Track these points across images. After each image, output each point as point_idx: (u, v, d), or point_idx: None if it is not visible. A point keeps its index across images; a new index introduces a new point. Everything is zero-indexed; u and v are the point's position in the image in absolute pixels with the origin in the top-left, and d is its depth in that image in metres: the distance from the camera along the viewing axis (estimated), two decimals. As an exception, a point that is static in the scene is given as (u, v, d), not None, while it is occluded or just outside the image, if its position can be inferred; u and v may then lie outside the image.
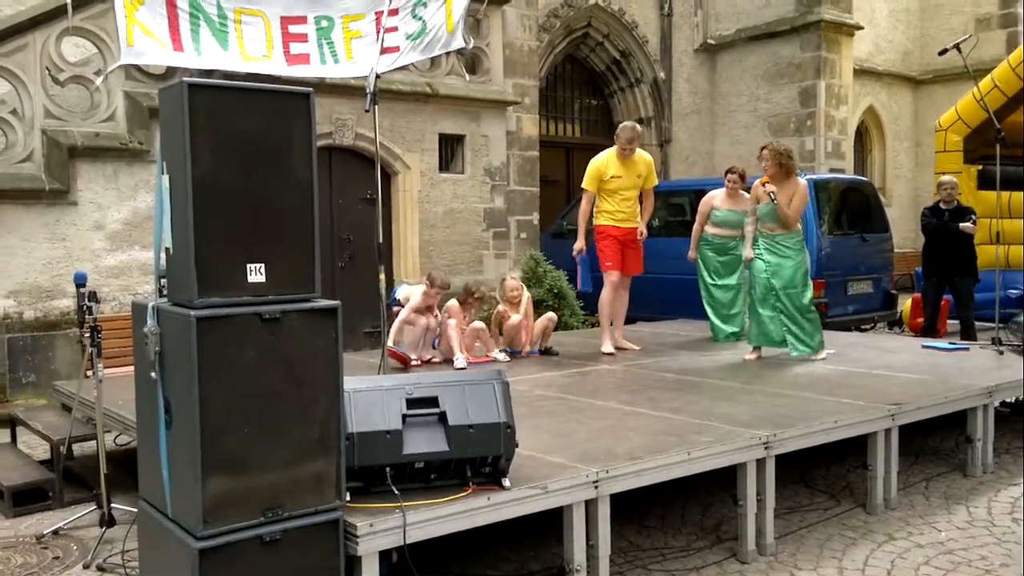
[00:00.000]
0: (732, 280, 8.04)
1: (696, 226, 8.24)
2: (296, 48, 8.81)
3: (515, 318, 7.08)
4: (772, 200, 6.67)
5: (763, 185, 6.73)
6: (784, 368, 6.53)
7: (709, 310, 8.09)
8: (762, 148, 7.01)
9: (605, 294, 7.37)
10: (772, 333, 6.80)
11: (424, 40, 9.54)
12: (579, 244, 7.44)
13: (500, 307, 7.29)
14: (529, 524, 3.92)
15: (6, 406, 7.11)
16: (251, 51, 8.46)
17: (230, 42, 8.34)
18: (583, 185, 7.48)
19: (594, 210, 7.46)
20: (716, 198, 8.16)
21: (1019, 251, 10.45)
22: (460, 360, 6.61)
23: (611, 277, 7.36)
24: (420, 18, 9.49)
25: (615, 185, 7.29)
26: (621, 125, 7.44)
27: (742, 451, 4.25)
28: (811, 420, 4.72)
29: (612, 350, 7.21)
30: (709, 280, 8.11)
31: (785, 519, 4.73)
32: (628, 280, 7.57)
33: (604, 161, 7.34)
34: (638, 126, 7.55)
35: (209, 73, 8.10)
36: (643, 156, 7.47)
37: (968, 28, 18.00)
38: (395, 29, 9.33)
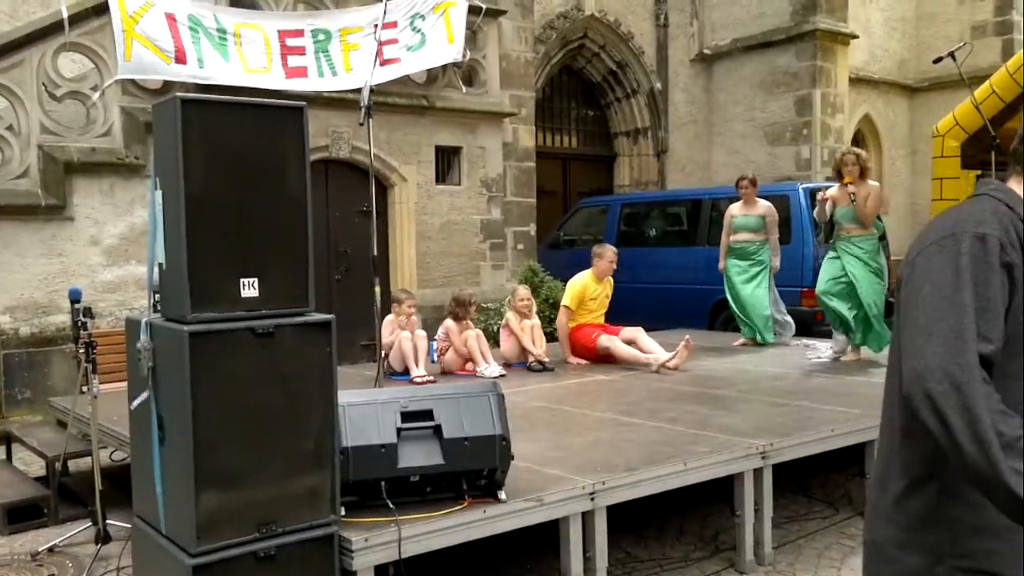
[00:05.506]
0: (755, 281, 8.32)
1: (723, 238, 8.59)
2: (294, 61, 8.86)
3: (527, 323, 7.16)
4: (852, 200, 6.95)
5: (845, 186, 6.99)
6: (782, 377, 6.52)
7: (736, 311, 8.41)
8: (844, 154, 7.20)
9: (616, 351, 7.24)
10: (853, 330, 7.10)
11: (425, 52, 9.60)
12: None
13: (509, 315, 7.28)
14: (527, 536, 3.91)
15: (1, 423, 7.08)
16: (252, 63, 8.51)
17: (230, 54, 8.39)
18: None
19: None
20: (734, 207, 8.55)
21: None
22: (492, 368, 6.68)
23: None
24: (419, 30, 9.55)
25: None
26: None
27: (739, 461, 4.24)
28: (808, 429, 4.71)
29: (655, 365, 6.89)
30: (736, 283, 8.39)
31: (783, 528, 4.72)
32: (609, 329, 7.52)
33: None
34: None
35: (207, 89, 8.13)
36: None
37: (964, 35, 18.00)
38: (395, 41, 9.40)
